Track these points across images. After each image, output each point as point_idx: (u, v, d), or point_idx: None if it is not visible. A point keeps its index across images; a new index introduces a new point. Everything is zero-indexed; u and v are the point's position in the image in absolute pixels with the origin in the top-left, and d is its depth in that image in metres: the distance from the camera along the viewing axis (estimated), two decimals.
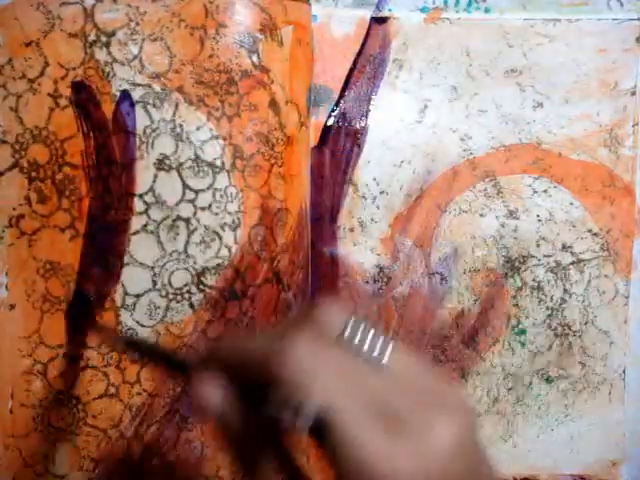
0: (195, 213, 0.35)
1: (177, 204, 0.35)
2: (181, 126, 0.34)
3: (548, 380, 0.40)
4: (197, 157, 0.35)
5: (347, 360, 0.22)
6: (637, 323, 0.40)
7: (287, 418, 0.20)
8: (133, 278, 0.35)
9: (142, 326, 0.35)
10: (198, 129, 0.34)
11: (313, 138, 0.37)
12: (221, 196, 0.35)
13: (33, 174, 0.34)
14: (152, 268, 0.35)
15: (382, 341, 0.22)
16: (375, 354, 0.22)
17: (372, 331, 0.22)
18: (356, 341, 0.22)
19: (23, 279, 0.35)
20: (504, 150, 0.38)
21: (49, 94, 0.34)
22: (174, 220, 0.35)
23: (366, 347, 0.22)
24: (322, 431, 0.21)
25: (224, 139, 0.35)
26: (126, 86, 0.34)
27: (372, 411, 0.22)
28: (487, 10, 0.36)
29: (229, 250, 0.35)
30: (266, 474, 0.24)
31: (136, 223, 0.35)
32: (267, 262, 0.36)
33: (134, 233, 0.35)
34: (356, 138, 0.37)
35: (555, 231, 0.39)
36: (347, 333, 0.22)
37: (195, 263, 0.35)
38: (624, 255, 0.39)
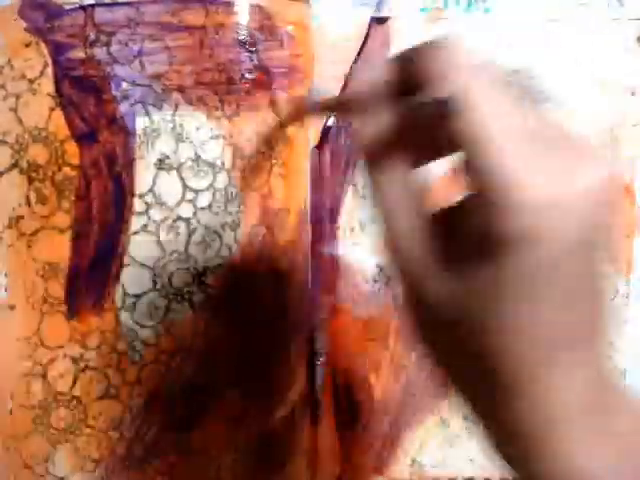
0: (195, 213, 0.35)
1: (177, 204, 0.35)
2: (181, 126, 0.34)
3: None
4: (197, 157, 0.35)
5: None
6: (637, 323, 0.40)
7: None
8: (133, 278, 0.35)
9: (142, 326, 0.35)
10: (198, 129, 0.34)
11: (313, 138, 0.37)
12: (221, 196, 0.35)
13: (33, 174, 0.34)
14: (152, 268, 0.35)
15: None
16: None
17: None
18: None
19: (23, 280, 0.35)
20: None
21: (49, 94, 0.34)
22: (174, 220, 0.35)
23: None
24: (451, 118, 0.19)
25: (224, 139, 0.35)
26: (126, 86, 0.34)
27: (521, 133, 0.19)
28: (487, 10, 0.36)
29: (229, 250, 0.35)
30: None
31: (136, 223, 0.35)
32: (267, 262, 0.36)
33: (134, 233, 0.35)
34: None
35: None
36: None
37: (196, 263, 0.35)
38: (624, 255, 0.39)
